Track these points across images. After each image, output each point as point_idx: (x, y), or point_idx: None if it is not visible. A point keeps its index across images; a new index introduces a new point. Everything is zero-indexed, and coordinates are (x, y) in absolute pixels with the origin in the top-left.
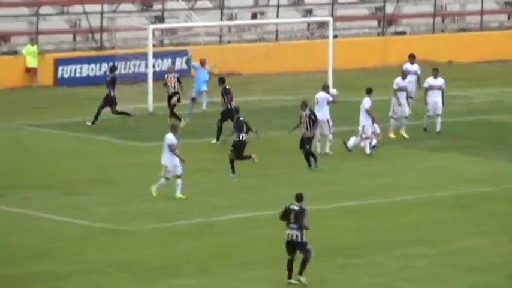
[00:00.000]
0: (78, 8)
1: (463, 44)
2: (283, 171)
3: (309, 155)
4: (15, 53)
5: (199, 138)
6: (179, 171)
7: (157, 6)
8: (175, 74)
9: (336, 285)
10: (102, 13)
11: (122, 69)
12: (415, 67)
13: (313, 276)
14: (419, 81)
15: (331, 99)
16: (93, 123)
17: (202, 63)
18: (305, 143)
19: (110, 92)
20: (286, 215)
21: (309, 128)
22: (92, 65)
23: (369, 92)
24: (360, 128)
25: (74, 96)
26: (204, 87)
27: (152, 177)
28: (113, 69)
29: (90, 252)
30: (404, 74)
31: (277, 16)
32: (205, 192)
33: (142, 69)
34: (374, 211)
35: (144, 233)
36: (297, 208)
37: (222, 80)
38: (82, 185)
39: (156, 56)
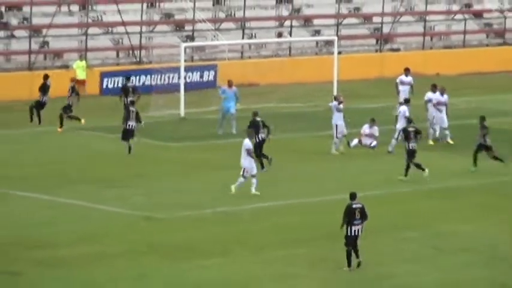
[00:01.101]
0: (120, 29)
1: (448, 59)
2: (296, 168)
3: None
4: (66, 67)
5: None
6: (254, 171)
7: (188, 27)
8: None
9: (339, 264)
10: (141, 33)
11: (158, 80)
12: (409, 79)
13: (319, 256)
14: (412, 90)
15: (341, 107)
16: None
17: (230, 84)
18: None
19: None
20: (351, 213)
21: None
22: (132, 77)
23: (406, 101)
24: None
25: (116, 104)
26: (232, 110)
27: (181, 172)
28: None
29: (130, 236)
30: (433, 87)
31: (290, 35)
32: (227, 185)
33: (175, 81)
34: (374, 201)
35: (175, 219)
36: (360, 205)
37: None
38: (122, 179)
39: (187, 69)
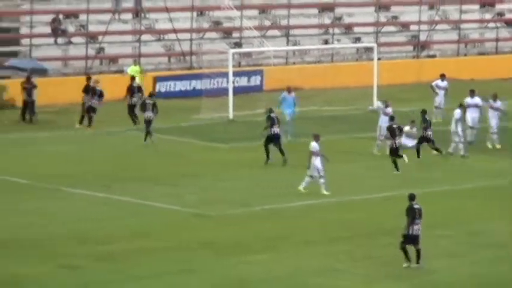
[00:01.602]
0: (172, 36)
1: (482, 65)
2: (339, 167)
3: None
4: (121, 72)
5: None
6: (322, 172)
7: (236, 34)
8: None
9: (380, 260)
10: (191, 39)
11: (207, 85)
12: (444, 83)
13: (361, 252)
14: (447, 94)
15: (389, 111)
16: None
17: (289, 90)
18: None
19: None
20: (412, 213)
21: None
22: (184, 82)
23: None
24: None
25: (169, 106)
26: (288, 117)
27: (230, 171)
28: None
29: (180, 232)
30: (472, 93)
31: (333, 42)
32: (273, 184)
33: (224, 85)
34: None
35: (224, 216)
36: (419, 206)
37: (270, 110)
38: (174, 177)
39: (235, 74)
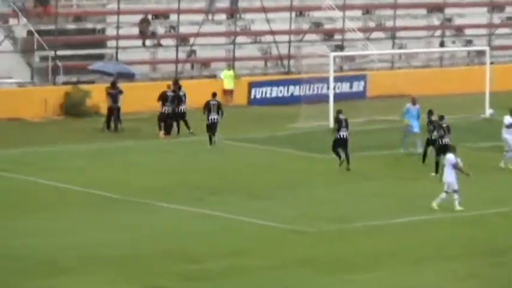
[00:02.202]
0: (269, 38)
1: None
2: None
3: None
4: (214, 76)
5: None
6: (456, 187)
7: (337, 37)
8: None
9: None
10: (290, 42)
11: (306, 91)
12: None
13: (470, 270)
14: None
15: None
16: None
17: (414, 102)
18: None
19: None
20: None
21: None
22: (281, 87)
23: None
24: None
25: (264, 114)
26: (416, 129)
27: (327, 183)
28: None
29: (277, 249)
30: None
31: (442, 45)
32: (376, 196)
33: (324, 91)
34: None
35: (322, 232)
36: None
37: (338, 111)
38: (269, 190)
39: (336, 79)
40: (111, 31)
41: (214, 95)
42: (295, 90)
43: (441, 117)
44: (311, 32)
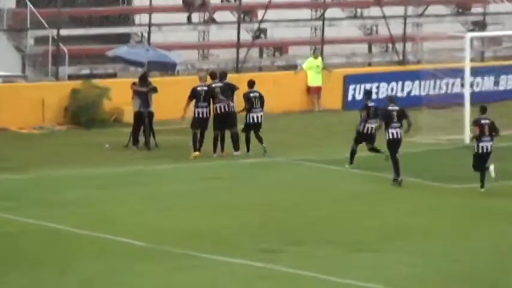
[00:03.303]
0: (374, 11)
1: None
2: None
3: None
4: (294, 68)
5: None
6: None
7: (476, 9)
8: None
9: None
10: (405, 17)
11: (430, 89)
12: None
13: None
14: None
15: None
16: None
17: None
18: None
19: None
20: None
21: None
22: (393, 84)
23: None
24: None
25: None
26: None
27: (456, 228)
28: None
29: None
30: None
31: None
32: None
33: (456, 90)
34: None
35: None
36: None
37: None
38: (376, 237)
39: (475, 72)
40: (140, 1)
41: (252, 84)
42: (414, 88)
43: None
44: (436, 3)
